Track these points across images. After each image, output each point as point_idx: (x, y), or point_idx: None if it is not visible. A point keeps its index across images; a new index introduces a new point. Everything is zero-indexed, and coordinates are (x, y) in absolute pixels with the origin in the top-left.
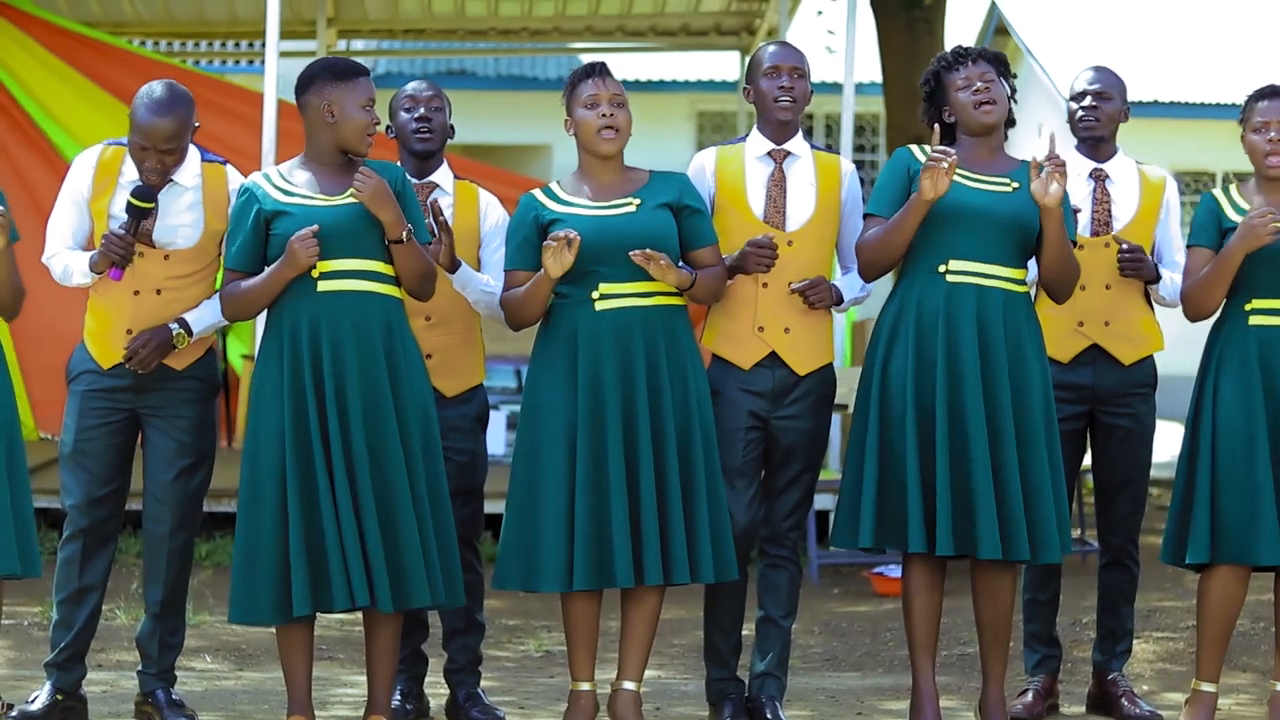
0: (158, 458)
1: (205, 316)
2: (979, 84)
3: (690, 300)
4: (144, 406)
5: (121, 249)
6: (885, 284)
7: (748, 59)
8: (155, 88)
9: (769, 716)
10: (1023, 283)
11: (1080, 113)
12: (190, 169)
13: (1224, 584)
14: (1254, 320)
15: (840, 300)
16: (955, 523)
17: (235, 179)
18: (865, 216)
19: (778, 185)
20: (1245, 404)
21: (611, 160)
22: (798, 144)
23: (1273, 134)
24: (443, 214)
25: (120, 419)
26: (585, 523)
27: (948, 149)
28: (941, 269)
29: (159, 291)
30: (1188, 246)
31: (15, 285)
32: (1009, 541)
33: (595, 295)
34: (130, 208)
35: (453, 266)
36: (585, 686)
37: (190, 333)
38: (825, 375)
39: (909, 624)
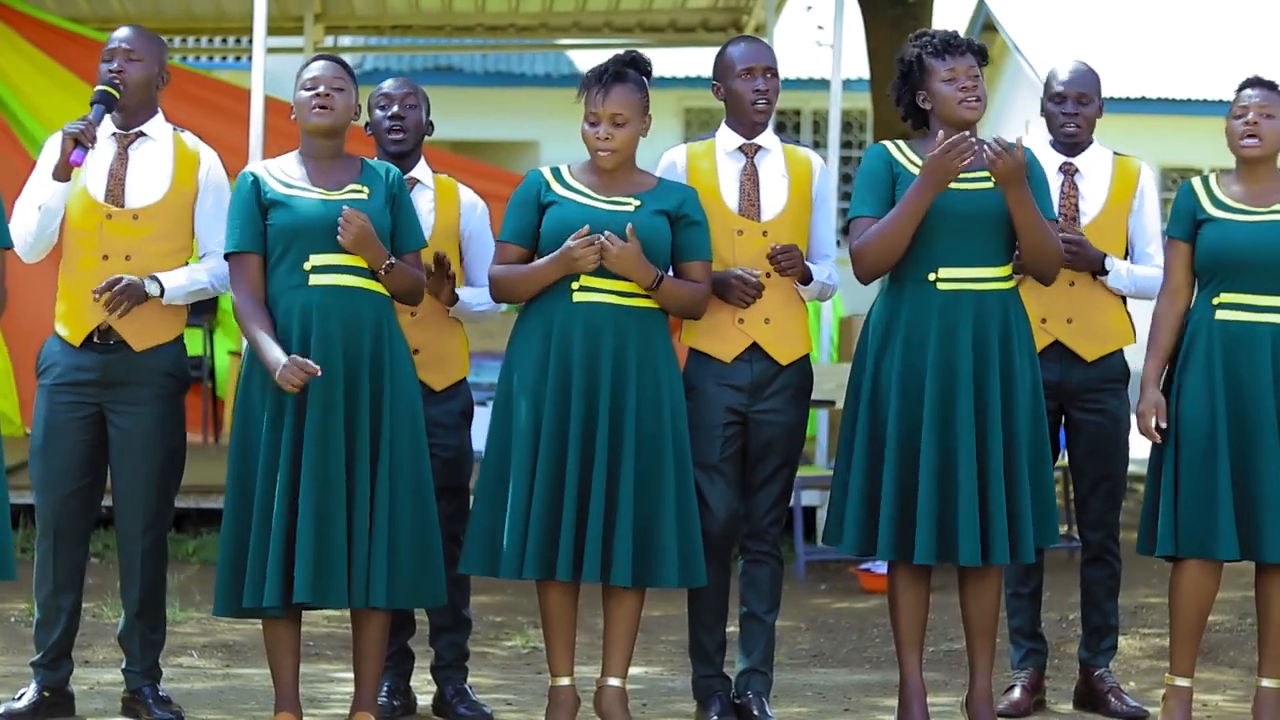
0: (125, 455)
1: (180, 280)
2: (966, 80)
3: (658, 302)
4: (111, 402)
5: (84, 125)
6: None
7: (715, 55)
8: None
9: (756, 714)
10: (1010, 277)
11: (1061, 119)
12: (161, 127)
13: (1192, 578)
14: (1220, 315)
15: (810, 278)
16: (937, 531)
17: (205, 150)
18: (855, 220)
19: (750, 178)
20: (1208, 399)
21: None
22: (768, 138)
23: (1250, 116)
24: (449, 265)
25: (87, 415)
26: (538, 513)
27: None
28: (931, 277)
29: (128, 257)
30: (1164, 236)
31: None
32: (990, 546)
33: (574, 286)
34: (97, 96)
35: (452, 301)
36: (564, 682)
37: (163, 288)
38: (803, 368)
39: (895, 620)
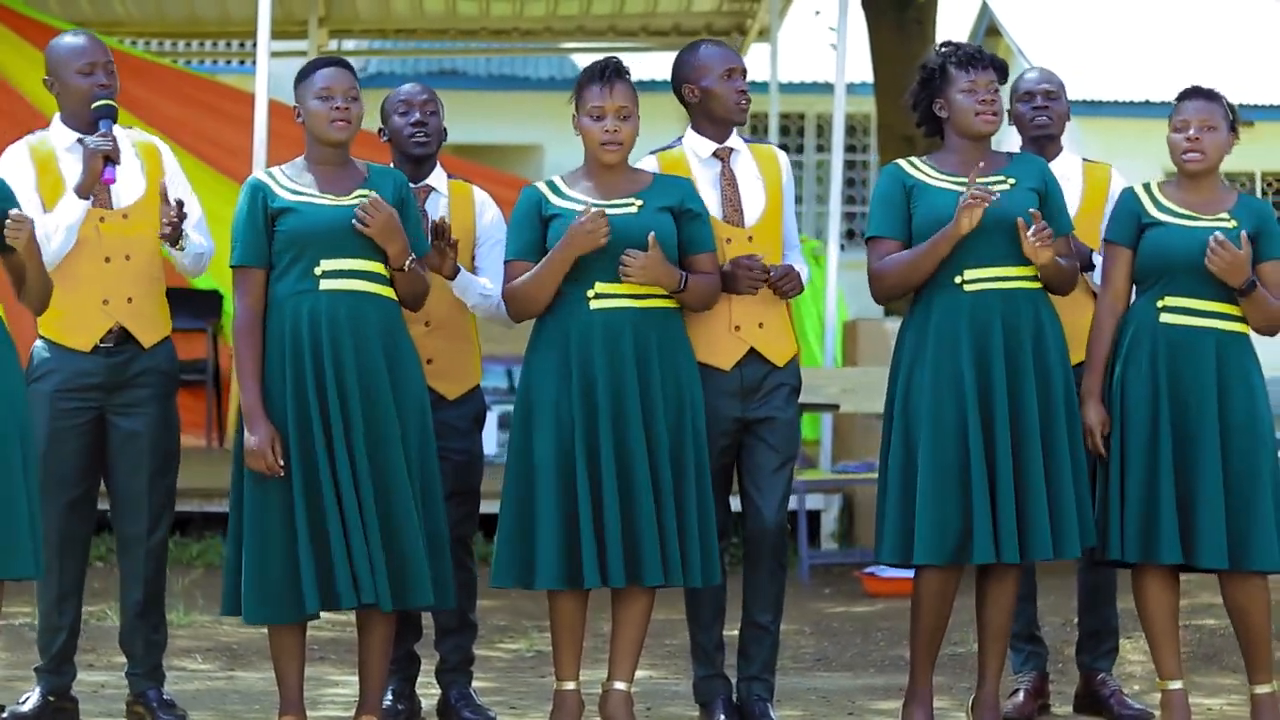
0: (128, 456)
1: (196, 240)
2: (985, 94)
3: (681, 303)
4: (113, 405)
5: (110, 143)
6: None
7: (683, 57)
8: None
9: (760, 718)
10: (1038, 278)
11: (1032, 113)
12: (120, 130)
13: (1147, 588)
14: (1164, 318)
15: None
16: (993, 531)
17: (156, 140)
18: (872, 239)
19: (730, 183)
20: (1151, 403)
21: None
22: (735, 140)
23: (1191, 131)
24: (448, 232)
25: (90, 419)
26: (583, 523)
27: (992, 191)
28: (958, 280)
29: (128, 257)
30: (1104, 241)
31: (47, 282)
32: (1029, 543)
33: (590, 294)
34: (99, 110)
35: (453, 274)
36: (570, 686)
37: (186, 241)
38: (794, 367)
39: (915, 629)
